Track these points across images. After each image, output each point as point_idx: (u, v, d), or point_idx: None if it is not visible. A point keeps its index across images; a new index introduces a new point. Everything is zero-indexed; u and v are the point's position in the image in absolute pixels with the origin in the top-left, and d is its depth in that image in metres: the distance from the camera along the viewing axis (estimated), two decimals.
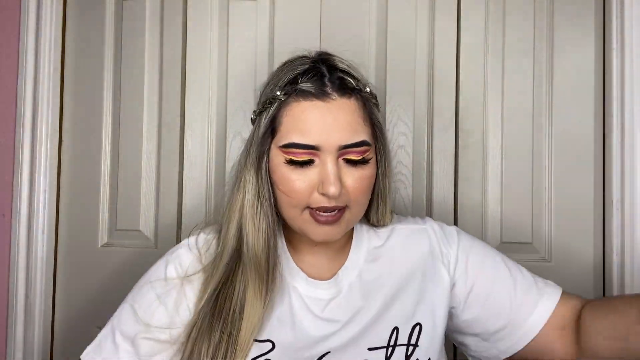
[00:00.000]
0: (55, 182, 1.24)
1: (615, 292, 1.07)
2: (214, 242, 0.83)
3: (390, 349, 0.76)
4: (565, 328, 0.81)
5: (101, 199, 1.23)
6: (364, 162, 0.76)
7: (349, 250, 0.85)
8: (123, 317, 0.81)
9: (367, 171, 0.77)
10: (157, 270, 0.83)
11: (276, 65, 1.16)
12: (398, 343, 0.77)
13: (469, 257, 0.85)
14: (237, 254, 0.79)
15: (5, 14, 1.24)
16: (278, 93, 0.76)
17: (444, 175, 1.15)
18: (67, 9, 1.26)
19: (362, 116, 0.76)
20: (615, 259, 1.08)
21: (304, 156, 0.74)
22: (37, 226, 1.21)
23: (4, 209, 1.23)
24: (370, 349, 0.76)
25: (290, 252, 0.84)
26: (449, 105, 1.16)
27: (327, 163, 0.73)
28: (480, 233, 1.14)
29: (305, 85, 0.75)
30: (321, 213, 0.75)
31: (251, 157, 0.79)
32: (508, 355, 0.83)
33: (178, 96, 1.21)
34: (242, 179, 0.79)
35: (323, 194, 0.73)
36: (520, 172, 1.14)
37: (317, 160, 0.74)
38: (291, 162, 0.74)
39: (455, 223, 1.14)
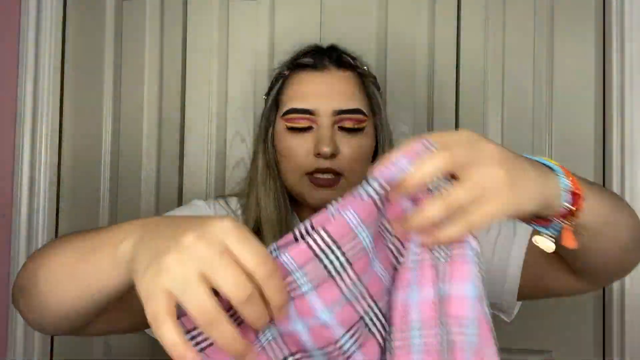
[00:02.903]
0: (55, 182, 1.24)
1: (615, 294, 1.07)
2: (238, 205, 0.87)
3: None
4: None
5: (101, 198, 1.23)
6: (358, 130, 0.81)
7: None
8: None
9: (363, 141, 0.81)
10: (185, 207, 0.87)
11: (276, 66, 1.17)
12: None
13: None
14: (258, 223, 0.83)
15: (5, 14, 1.24)
16: (281, 70, 0.86)
17: None
18: (67, 9, 1.26)
19: (358, 88, 0.82)
20: None
21: (302, 122, 0.80)
22: (37, 226, 1.21)
23: (4, 209, 1.23)
24: None
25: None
26: (449, 105, 1.16)
27: (323, 126, 0.79)
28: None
29: (305, 60, 0.83)
30: (318, 176, 0.79)
31: (261, 130, 0.86)
32: (514, 298, 0.80)
33: (178, 96, 1.21)
34: (255, 152, 0.87)
35: (318, 155, 0.78)
36: None
37: (314, 127, 0.80)
38: (291, 129, 0.80)
39: None
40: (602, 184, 1.12)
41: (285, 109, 0.81)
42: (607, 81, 1.12)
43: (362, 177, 0.80)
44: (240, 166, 1.18)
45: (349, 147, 0.80)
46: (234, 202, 0.89)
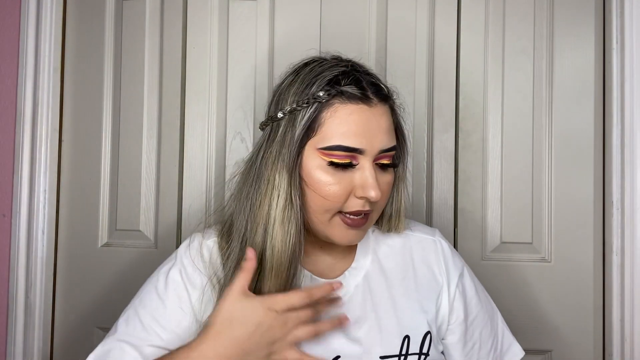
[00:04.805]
0: (55, 182, 1.24)
1: (615, 292, 1.07)
2: (215, 248, 0.81)
3: (402, 357, 0.76)
4: None
5: (101, 199, 1.23)
6: (391, 166, 0.77)
7: (355, 253, 0.85)
8: (130, 327, 0.79)
9: (391, 176, 0.79)
10: (159, 274, 0.82)
11: (276, 65, 1.17)
12: (410, 352, 0.77)
13: (468, 311, 0.86)
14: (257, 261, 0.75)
15: (5, 14, 1.24)
16: (321, 94, 0.74)
17: (444, 175, 1.15)
18: (67, 9, 1.26)
19: (392, 123, 0.78)
20: (615, 259, 1.08)
21: (345, 159, 0.73)
22: (37, 226, 1.21)
23: (4, 209, 1.23)
24: (382, 357, 0.76)
25: None
26: (449, 105, 1.16)
27: (366, 167, 0.74)
28: (480, 233, 1.14)
29: (350, 88, 0.74)
30: (352, 216, 0.75)
31: (283, 158, 0.74)
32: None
33: (178, 96, 1.21)
34: (270, 182, 0.75)
35: (361, 198, 0.74)
36: (520, 172, 1.14)
37: (355, 164, 0.74)
38: (331, 164, 0.73)
39: (455, 223, 1.14)
40: (602, 184, 1.12)
41: (329, 143, 0.73)
42: (607, 81, 1.12)
43: (381, 211, 0.80)
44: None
45: (383, 183, 0.76)
46: (210, 242, 0.82)
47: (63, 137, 1.26)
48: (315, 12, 1.18)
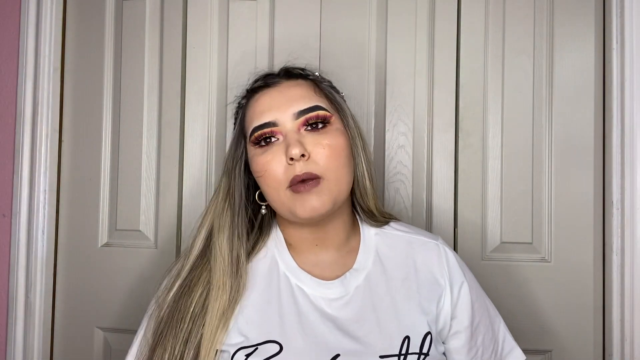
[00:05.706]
0: (55, 182, 1.24)
1: (615, 292, 1.07)
2: None
3: (402, 357, 0.77)
4: None
5: (101, 199, 1.23)
6: (324, 125, 0.80)
7: (357, 254, 0.85)
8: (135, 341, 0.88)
9: (333, 138, 0.80)
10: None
11: (276, 65, 1.17)
12: (410, 351, 0.77)
13: (472, 316, 0.86)
14: (203, 254, 0.83)
15: (5, 14, 1.25)
16: (240, 100, 0.90)
17: (444, 175, 1.15)
18: (67, 9, 1.26)
19: (313, 90, 0.83)
20: (615, 259, 1.08)
21: (267, 134, 0.81)
22: (37, 226, 1.21)
23: (4, 209, 1.23)
24: (382, 357, 0.76)
25: (291, 253, 0.85)
26: (449, 105, 1.16)
27: (288, 133, 0.79)
28: (480, 233, 1.14)
29: (256, 84, 0.86)
30: (299, 184, 0.78)
31: (226, 165, 0.88)
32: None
33: (178, 96, 1.21)
34: (218, 188, 0.88)
35: (291, 160, 0.77)
36: (520, 172, 1.14)
37: (281, 138, 0.80)
38: (259, 145, 0.81)
39: (455, 223, 1.14)
40: (602, 184, 1.12)
41: (249, 130, 0.82)
42: (607, 81, 1.12)
43: (341, 177, 0.80)
44: None
45: (320, 146, 0.78)
46: None
47: (63, 137, 1.26)
48: (316, 12, 1.18)
